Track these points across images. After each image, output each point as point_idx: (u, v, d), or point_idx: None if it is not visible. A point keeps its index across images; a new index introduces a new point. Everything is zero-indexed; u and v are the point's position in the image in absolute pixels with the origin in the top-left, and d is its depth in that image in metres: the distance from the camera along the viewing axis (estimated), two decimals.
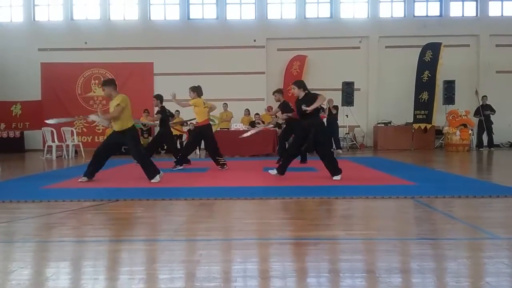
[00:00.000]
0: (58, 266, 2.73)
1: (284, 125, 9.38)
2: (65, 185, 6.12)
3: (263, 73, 14.77)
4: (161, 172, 6.24)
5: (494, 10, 14.89)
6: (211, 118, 9.09)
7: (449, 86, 13.45)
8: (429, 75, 13.05)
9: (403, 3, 14.98)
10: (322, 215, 4.27)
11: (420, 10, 15.05)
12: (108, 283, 2.44)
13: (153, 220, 4.06)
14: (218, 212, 4.44)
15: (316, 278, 2.49)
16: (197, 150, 11.07)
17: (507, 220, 3.96)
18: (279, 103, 8.63)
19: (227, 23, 14.98)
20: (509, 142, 14.31)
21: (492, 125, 13.16)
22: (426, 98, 13.09)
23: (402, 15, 14.97)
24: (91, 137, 14.78)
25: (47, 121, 7.57)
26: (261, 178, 6.54)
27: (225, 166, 7.84)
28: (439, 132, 13.51)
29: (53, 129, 11.24)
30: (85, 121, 13.97)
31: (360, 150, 13.72)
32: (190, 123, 10.60)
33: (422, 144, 13.24)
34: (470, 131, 12.53)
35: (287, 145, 8.67)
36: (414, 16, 14.94)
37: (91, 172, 6.27)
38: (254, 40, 14.69)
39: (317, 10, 15.12)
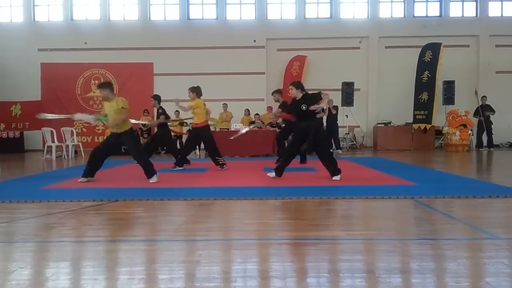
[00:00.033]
0: (58, 266, 2.73)
1: (283, 125, 9.37)
2: (65, 185, 6.12)
3: (263, 73, 14.76)
4: (157, 172, 6.29)
5: (494, 10, 14.89)
6: (211, 120, 9.05)
7: (449, 86, 13.45)
8: (429, 75, 13.05)
9: (403, 3, 14.98)
10: (322, 215, 4.27)
11: (420, 10, 15.05)
12: (108, 283, 2.44)
13: (153, 220, 4.06)
14: (218, 212, 4.44)
15: (316, 278, 2.49)
16: (197, 150, 11.07)
17: (507, 220, 3.97)
18: (279, 103, 8.64)
19: (227, 23, 14.97)
20: (509, 142, 14.31)
21: (492, 125, 13.15)
22: (426, 99, 13.09)
23: (402, 15, 14.96)
24: (90, 137, 14.76)
25: (38, 116, 7.65)
26: (261, 178, 6.53)
27: (224, 166, 7.84)
28: (439, 132, 13.50)
29: (52, 129, 11.24)
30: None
31: (360, 150, 13.71)
32: (190, 123, 10.59)
33: (422, 144, 13.24)
34: (469, 131, 12.52)
35: (286, 144, 8.67)
36: (414, 16, 14.94)
37: (88, 172, 6.30)
38: (254, 41, 14.69)
39: (317, 10, 15.11)
